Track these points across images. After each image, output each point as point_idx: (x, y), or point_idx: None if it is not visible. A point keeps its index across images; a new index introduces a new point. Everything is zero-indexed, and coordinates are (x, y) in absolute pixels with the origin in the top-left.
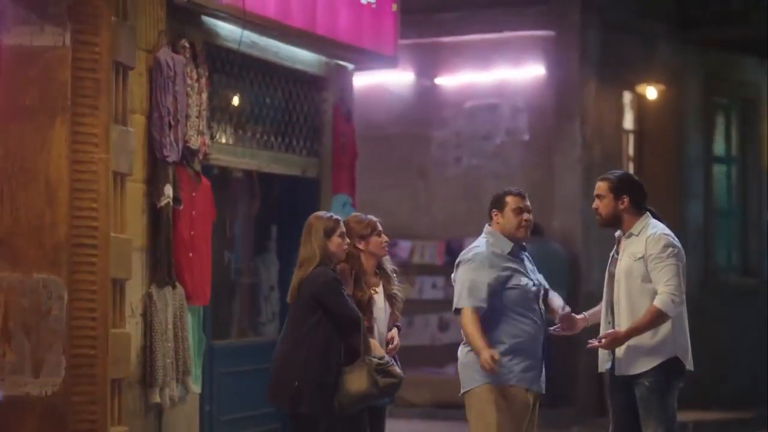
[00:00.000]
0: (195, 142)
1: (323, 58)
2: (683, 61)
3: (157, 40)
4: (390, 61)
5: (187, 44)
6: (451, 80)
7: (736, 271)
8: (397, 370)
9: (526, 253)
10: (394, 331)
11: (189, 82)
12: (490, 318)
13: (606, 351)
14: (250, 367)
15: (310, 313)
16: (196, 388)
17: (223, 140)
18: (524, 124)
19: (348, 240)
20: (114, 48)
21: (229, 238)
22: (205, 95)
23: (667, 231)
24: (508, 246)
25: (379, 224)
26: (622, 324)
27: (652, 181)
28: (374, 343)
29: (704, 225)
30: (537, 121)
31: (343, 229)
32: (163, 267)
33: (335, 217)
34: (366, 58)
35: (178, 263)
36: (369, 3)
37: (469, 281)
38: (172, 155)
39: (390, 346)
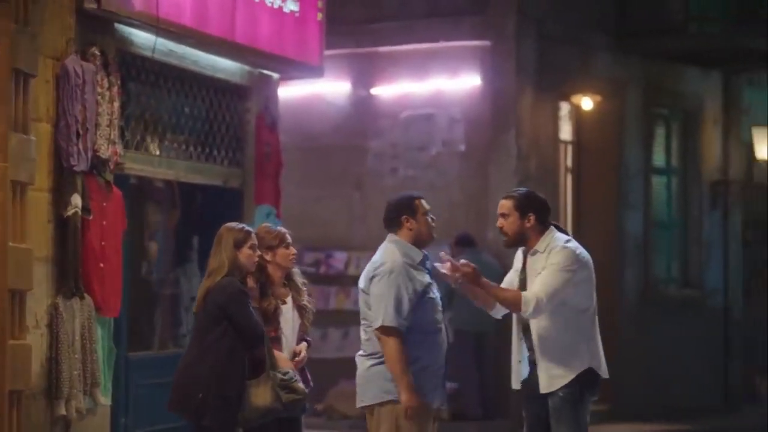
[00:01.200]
0: (105, 151)
1: (246, 67)
2: (623, 72)
3: (66, 47)
4: (316, 71)
5: (97, 52)
6: (388, 90)
7: (676, 282)
8: (301, 386)
9: (429, 261)
10: (303, 345)
11: (99, 90)
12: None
13: (521, 368)
14: (169, 378)
15: (215, 323)
16: (105, 400)
17: (139, 149)
18: (460, 134)
19: (258, 252)
20: (13, 55)
21: (148, 248)
22: (117, 104)
23: (572, 244)
24: (419, 255)
25: (288, 236)
26: (537, 342)
27: (590, 192)
28: (281, 355)
29: (643, 236)
30: (473, 131)
31: (255, 241)
32: (70, 278)
33: (246, 228)
34: (290, 67)
35: (88, 274)
36: (292, 12)
37: (393, 297)
38: (80, 164)
39: (296, 358)
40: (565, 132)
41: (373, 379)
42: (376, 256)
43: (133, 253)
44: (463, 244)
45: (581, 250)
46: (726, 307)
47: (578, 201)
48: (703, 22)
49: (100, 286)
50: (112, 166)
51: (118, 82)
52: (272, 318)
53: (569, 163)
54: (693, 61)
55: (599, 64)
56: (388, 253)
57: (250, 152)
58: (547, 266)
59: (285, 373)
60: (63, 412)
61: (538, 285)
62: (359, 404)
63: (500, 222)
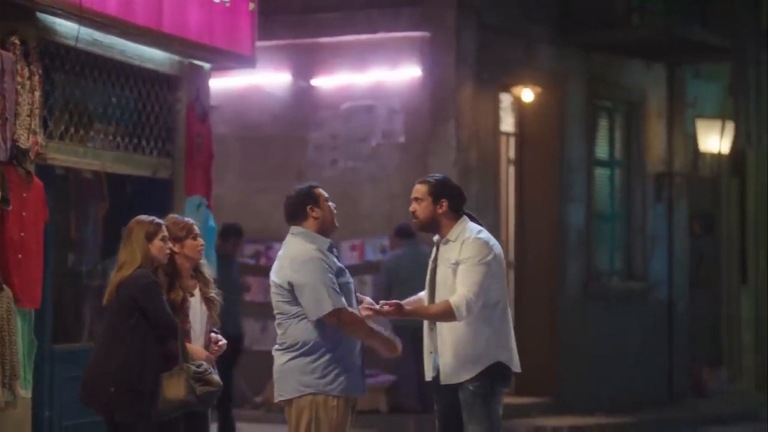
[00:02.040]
0: (26, 141)
1: (175, 57)
2: (565, 64)
3: None
4: (248, 61)
5: (17, 41)
6: (328, 81)
7: (619, 275)
8: (216, 378)
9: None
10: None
11: (19, 80)
12: (315, 322)
13: (432, 360)
14: None
15: (127, 316)
16: (25, 393)
17: (64, 139)
18: (400, 126)
19: (170, 244)
20: None
21: (74, 239)
22: (38, 93)
23: (484, 235)
24: (325, 243)
25: (196, 227)
26: (444, 334)
27: (532, 184)
28: (195, 347)
29: (586, 229)
30: (413, 123)
31: (166, 233)
32: None
33: (157, 220)
34: (221, 57)
35: (6, 265)
36: (222, 2)
37: (323, 283)
38: None
39: (215, 346)
40: (508, 124)
41: (291, 372)
42: (287, 250)
43: (58, 245)
44: (402, 235)
45: (494, 242)
46: (670, 299)
47: (520, 193)
48: (646, 14)
49: (19, 277)
50: (32, 157)
51: (40, 71)
52: (180, 310)
53: (512, 154)
54: (636, 54)
55: (541, 56)
56: (297, 244)
57: (181, 142)
58: (462, 261)
59: (199, 366)
60: None
61: (462, 285)
62: (278, 398)
63: (413, 206)
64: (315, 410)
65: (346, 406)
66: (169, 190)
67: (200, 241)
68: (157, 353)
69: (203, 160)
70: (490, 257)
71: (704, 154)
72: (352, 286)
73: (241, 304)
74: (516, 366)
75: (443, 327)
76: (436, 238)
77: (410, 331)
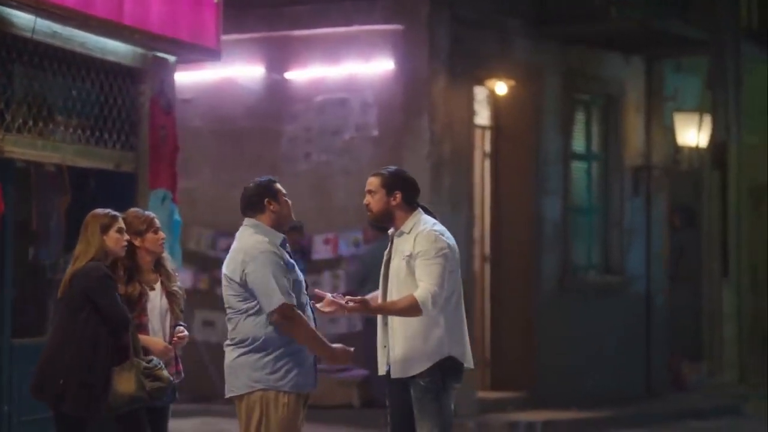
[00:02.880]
0: None
1: (138, 50)
2: (541, 57)
3: None
4: (213, 54)
5: None
6: (302, 74)
7: (596, 268)
8: (165, 374)
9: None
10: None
11: None
12: (266, 318)
13: (385, 354)
14: None
15: (79, 308)
16: None
17: (21, 132)
18: (374, 119)
19: (127, 236)
20: None
21: (36, 233)
22: None
23: (438, 228)
24: (278, 238)
25: (156, 221)
26: (395, 327)
27: (508, 177)
28: (154, 339)
29: (562, 222)
30: (386, 116)
31: (122, 224)
32: None
33: (112, 213)
34: (185, 50)
35: None
36: None
37: (273, 277)
38: None
39: (175, 338)
40: (483, 117)
41: (241, 368)
42: (240, 243)
43: (19, 238)
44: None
45: (448, 234)
46: (648, 293)
47: (496, 186)
48: (624, 6)
49: None
50: None
51: None
52: (137, 304)
53: (487, 148)
54: (614, 47)
55: (516, 49)
56: (251, 237)
57: (144, 136)
58: (418, 254)
59: (149, 361)
60: None
61: (424, 280)
62: (228, 394)
63: (367, 199)
64: (265, 406)
65: (297, 402)
66: (133, 183)
67: (161, 234)
68: (109, 347)
69: (168, 153)
70: (445, 250)
71: (683, 148)
72: (303, 284)
73: None
74: (469, 361)
75: (395, 321)
76: (390, 231)
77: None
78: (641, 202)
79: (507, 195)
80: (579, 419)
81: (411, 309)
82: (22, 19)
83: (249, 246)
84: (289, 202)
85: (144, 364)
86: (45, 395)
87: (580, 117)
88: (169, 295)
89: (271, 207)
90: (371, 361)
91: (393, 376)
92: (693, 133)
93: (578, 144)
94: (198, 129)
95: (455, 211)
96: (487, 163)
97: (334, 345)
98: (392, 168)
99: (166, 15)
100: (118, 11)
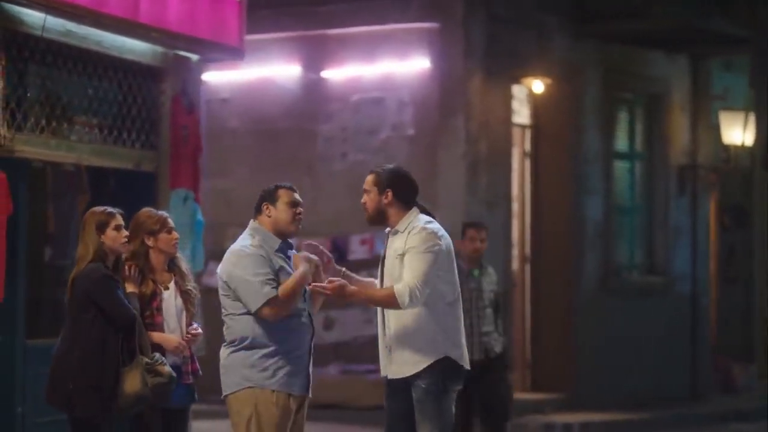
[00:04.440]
0: None
1: (159, 48)
2: (581, 55)
3: None
4: (236, 53)
5: None
6: (338, 73)
7: (639, 269)
8: (167, 368)
9: (292, 250)
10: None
11: None
12: (256, 319)
13: (386, 356)
14: None
15: (83, 311)
16: None
17: (34, 132)
18: (409, 118)
19: (126, 232)
20: None
21: (52, 233)
22: (0, 84)
23: (433, 226)
24: (275, 242)
25: (170, 221)
26: (392, 327)
27: (548, 176)
28: (163, 335)
29: (604, 221)
30: (422, 115)
31: (120, 221)
32: None
33: (109, 210)
34: (207, 48)
35: None
36: None
37: (254, 275)
38: None
39: (188, 334)
40: (523, 116)
41: (233, 367)
42: (233, 244)
43: (35, 239)
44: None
45: (443, 233)
46: (694, 293)
47: (536, 186)
48: (666, 4)
49: None
50: None
51: (2, 62)
52: (151, 303)
53: (527, 147)
54: (656, 45)
55: (555, 47)
56: (242, 239)
57: (165, 135)
58: (407, 250)
59: (152, 357)
60: None
61: (407, 273)
62: (223, 394)
63: (364, 198)
64: (255, 404)
65: (288, 403)
66: (153, 182)
67: (175, 234)
68: (116, 348)
69: (190, 153)
70: (437, 247)
71: (730, 147)
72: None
73: None
74: (466, 363)
75: (390, 320)
76: (387, 230)
77: None
78: (687, 201)
79: (547, 194)
80: (618, 421)
81: (388, 300)
82: (32, 17)
83: (237, 248)
84: (294, 211)
85: (146, 360)
86: (56, 400)
87: (622, 116)
88: (184, 294)
89: (267, 212)
90: None
91: (390, 376)
92: (739, 132)
93: (621, 143)
94: (235, 129)
95: (492, 211)
96: (527, 163)
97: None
98: (389, 166)
99: (185, 13)
100: (133, 9)
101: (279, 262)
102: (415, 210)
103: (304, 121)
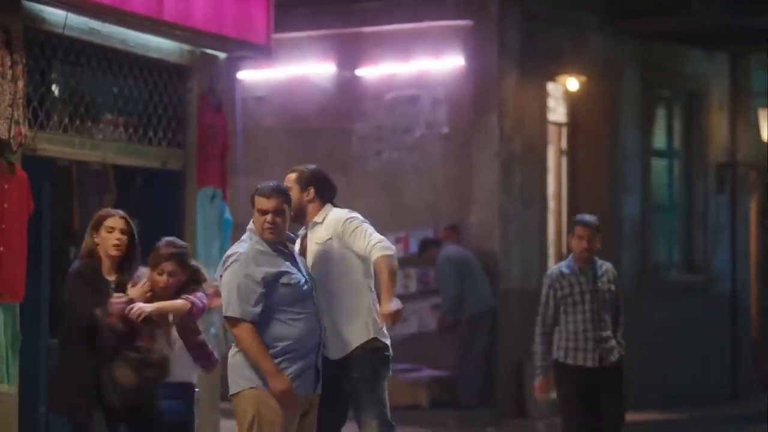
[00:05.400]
0: (5, 131)
1: (185, 47)
2: (618, 53)
3: None
4: (263, 51)
5: None
6: (373, 71)
7: (678, 267)
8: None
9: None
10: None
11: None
12: (260, 318)
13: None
14: None
15: (66, 310)
16: (7, 387)
17: (57, 130)
18: (444, 116)
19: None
20: None
21: (77, 232)
22: (21, 83)
23: (349, 210)
24: (266, 245)
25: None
26: (342, 309)
27: (585, 174)
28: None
29: (641, 220)
30: (456, 113)
31: (114, 224)
32: None
33: (111, 211)
34: (233, 46)
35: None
36: None
37: (236, 286)
38: None
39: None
40: (559, 114)
41: (237, 367)
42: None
43: (59, 237)
44: (455, 230)
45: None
46: (734, 292)
47: (573, 184)
48: (706, 0)
49: (0, 271)
50: (15, 147)
51: (24, 60)
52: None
53: (563, 145)
54: (695, 42)
55: (591, 44)
56: (240, 241)
57: (192, 133)
58: (343, 230)
59: (139, 350)
60: None
61: (361, 240)
62: (229, 394)
63: None
64: (257, 405)
65: (293, 401)
66: (180, 181)
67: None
68: (85, 348)
69: (218, 151)
70: (361, 218)
71: None
72: (300, 288)
73: None
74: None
75: (340, 303)
76: (300, 232)
77: (488, 317)
78: (726, 199)
79: (584, 193)
80: (657, 420)
81: (393, 267)
82: (54, 15)
83: (231, 251)
84: (263, 219)
85: (135, 354)
86: (52, 407)
87: (660, 113)
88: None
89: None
90: (463, 362)
91: (331, 358)
92: None
93: (659, 141)
94: (270, 127)
95: (527, 209)
96: (564, 161)
97: (278, 376)
98: (310, 166)
99: (211, 11)
100: (158, 7)
101: (279, 260)
102: (330, 205)
103: (339, 120)
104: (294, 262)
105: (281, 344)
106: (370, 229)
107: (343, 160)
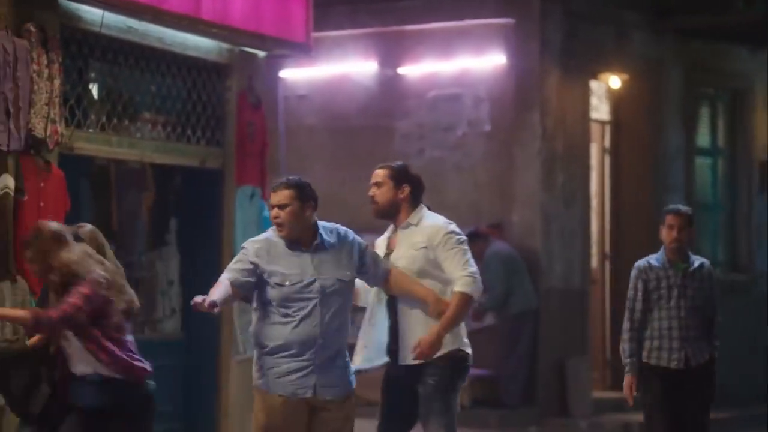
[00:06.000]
0: (41, 130)
1: (224, 45)
2: (661, 51)
3: None
4: (302, 49)
5: (33, 28)
6: (414, 69)
7: (722, 266)
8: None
9: (336, 239)
10: None
11: (35, 67)
12: (258, 315)
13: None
14: None
15: None
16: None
17: (94, 129)
18: (486, 114)
19: None
20: None
21: (116, 231)
22: (57, 82)
23: (448, 220)
24: (274, 240)
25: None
26: (413, 314)
27: (628, 173)
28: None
29: None
30: (498, 111)
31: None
32: None
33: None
34: (272, 45)
35: (22, 256)
36: None
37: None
38: (12, 144)
39: None
40: (602, 112)
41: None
42: None
43: None
44: (498, 228)
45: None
46: None
47: (616, 182)
48: None
49: None
50: (51, 146)
51: (60, 59)
52: None
53: (606, 143)
54: (740, 40)
55: (634, 42)
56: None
57: (231, 132)
58: (435, 247)
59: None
60: None
61: (456, 267)
62: None
63: (372, 191)
64: (256, 402)
65: (282, 406)
66: (219, 180)
67: None
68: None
69: (256, 150)
70: (463, 238)
71: None
72: (300, 284)
73: None
74: (471, 358)
75: (410, 314)
76: (389, 230)
77: (532, 316)
78: None
79: (627, 191)
80: None
81: (466, 305)
82: (90, 13)
83: None
84: (273, 215)
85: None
86: None
87: (704, 111)
88: None
89: None
90: (506, 361)
91: (400, 362)
92: None
93: (702, 139)
94: (312, 126)
95: (569, 208)
96: (607, 159)
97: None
98: (399, 162)
99: (249, 9)
100: (195, 6)
101: (288, 258)
102: (423, 206)
103: (381, 118)
104: (309, 259)
105: (272, 343)
106: (468, 254)
107: (385, 159)
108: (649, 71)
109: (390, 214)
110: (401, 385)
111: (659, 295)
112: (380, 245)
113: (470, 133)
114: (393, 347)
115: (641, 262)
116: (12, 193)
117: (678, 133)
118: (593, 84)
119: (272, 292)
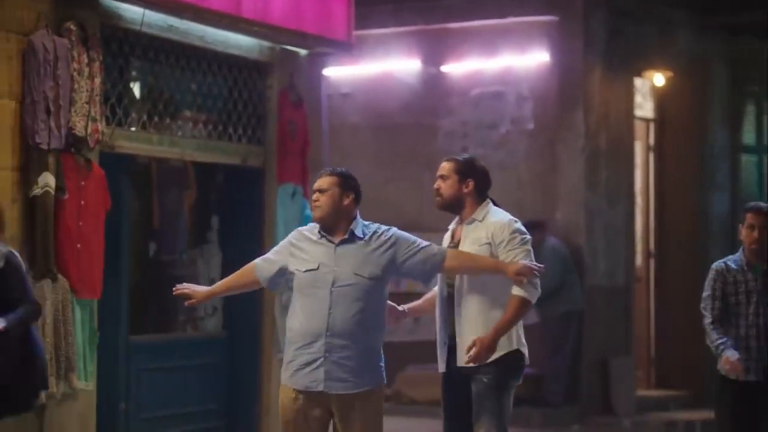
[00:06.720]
0: (81, 128)
1: (265, 43)
2: (706, 48)
3: (36, 22)
4: (344, 47)
5: (73, 27)
6: (458, 67)
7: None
8: None
9: (368, 236)
10: None
11: (76, 66)
12: (290, 305)
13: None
14: (179, 363)
15: None
16: (84, 384)
17: (136, 127)
18: (529, 112)
19: None
20: None
21: (157, 229)
22: (98, 80)
23: (514, 218)
24: (315, 228)
25: None
26: (470, 313)
27: (673, 171)
28: None
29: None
30: (541, 109)
31: None
32: (40, 258)
33: None
34: (313, 42)
35: (62, 255)
36: None
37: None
38: (53, 142)
39: None
40: (647, 109)
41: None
42: None
43: (139, 234)
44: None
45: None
46: None
47: (660, 180)
48: None
49: (76, 267)
50: (92, 144)
51: (100, 57)
52: None
53: (651, 141)
54: None
55: (678, 39)
56: None
57: (272, 130)
58: (500, 244)
59: None
60: None
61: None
62: None
63: (438, 183)
64: (280, 398)
65: (295, 400)
66: (260, 178)
67: None
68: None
69: (298, 148)
70: (527, 238)
71: None
72: (317, 275)
73: None
74: (527, 359)
75: (469, 309)
76: (453, 224)
77: (578, 315)
78: None
79: (672, 189)
80: None
81: (523, 309)
82: (130, 12)
83: None
84: (312, 200)
85: None
86: None
87: (750, 109)
88: None
89: None
90: (551, 360)
91: (459, 363)
92: None
93: (748, 137)
94: (356, 123)
95: (612, 205)
96: (651, 157)
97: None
98: (466, 155)
99: (289, 8)
100: (236, 4)
101: (311, 248)
102: (488, 201)
103: (424, 116)
104: (336, 251)
105: (289, 333)
106: (531, 255)
107: (429, 157)
108: (693, 69)
109: (454, 208)
110: (460, 383)
111: (737, 300)
112: (445, 237)
113: (513, 131)
114: (451, 345)
115: (718, 264)
116: (53, 192)
117: (723, 130)
118: (637, 81)
119: (294, 280)
